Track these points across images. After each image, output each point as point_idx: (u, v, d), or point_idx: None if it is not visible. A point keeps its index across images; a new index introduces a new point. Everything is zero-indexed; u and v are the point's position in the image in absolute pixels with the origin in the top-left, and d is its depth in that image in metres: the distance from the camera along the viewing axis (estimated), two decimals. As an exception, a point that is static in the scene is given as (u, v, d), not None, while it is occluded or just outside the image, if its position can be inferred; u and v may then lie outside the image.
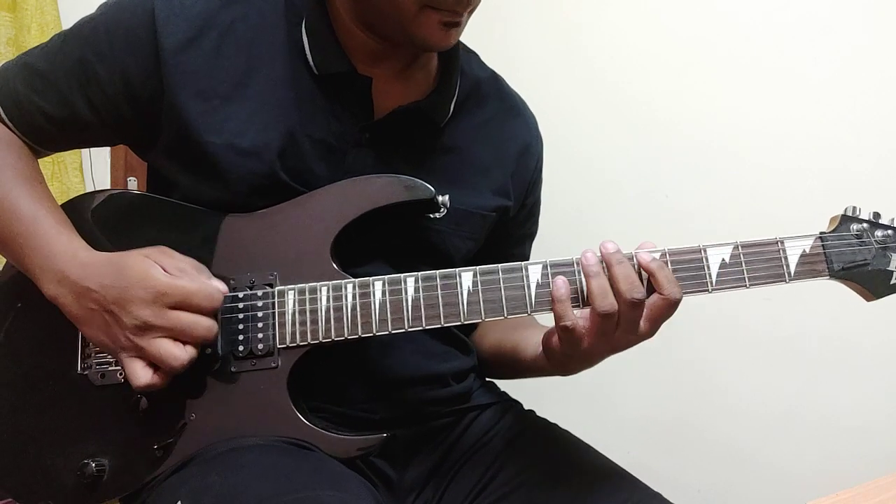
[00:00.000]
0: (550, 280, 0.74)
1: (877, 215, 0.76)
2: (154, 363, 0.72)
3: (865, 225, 0.75)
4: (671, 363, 1.42)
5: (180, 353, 0.71)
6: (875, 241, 0.75)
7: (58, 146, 0.88)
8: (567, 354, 0.76)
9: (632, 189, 1.52)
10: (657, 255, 0.74)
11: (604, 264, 0.72)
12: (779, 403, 1.37)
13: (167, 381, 0.73)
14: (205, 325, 0.72)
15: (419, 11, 0.74)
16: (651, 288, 0.72)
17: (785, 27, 1.35)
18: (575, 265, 0.75)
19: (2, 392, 0.80)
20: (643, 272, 0.72)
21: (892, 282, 0.74)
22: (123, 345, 0.72)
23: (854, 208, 0.76)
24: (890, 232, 0.75)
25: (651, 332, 0.73)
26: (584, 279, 0.72)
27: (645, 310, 0.72)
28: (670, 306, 0.72)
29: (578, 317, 0.72)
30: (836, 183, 1.29)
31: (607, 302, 0.70)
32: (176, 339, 0.71)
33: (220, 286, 0.74)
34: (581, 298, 0.74)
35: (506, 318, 0.75)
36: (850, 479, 0.99)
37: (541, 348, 0.81)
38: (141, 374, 0.71)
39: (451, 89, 0.88)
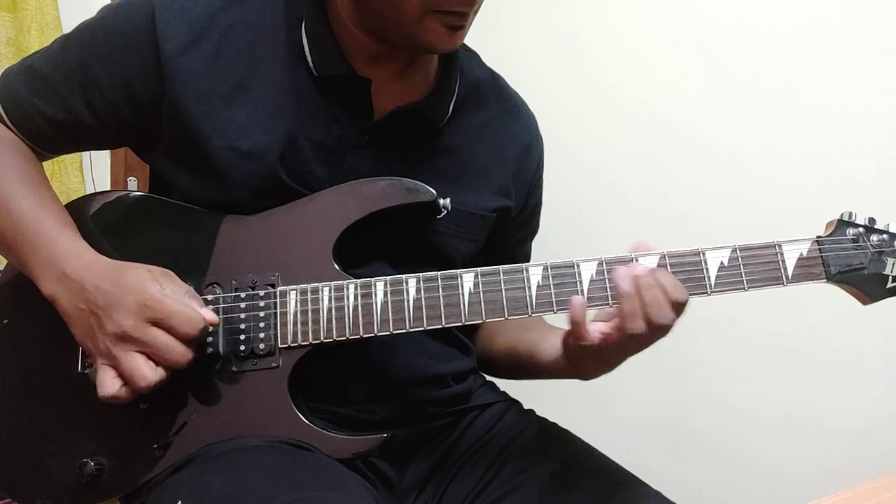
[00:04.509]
0: (551, 281, 0.75)
1: (872, 220, 0.76)
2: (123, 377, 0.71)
3: (861, 229, 0.76)
4: (671, 363, 1.43)
5: (150, 374, 0.70)
6: (871, 245, 0.75)
7: (59, 149, 0.88)
8: (587, 362, 0.77)
9: (632, 189, 1.52)
10: (656, 257, 0.74)
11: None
12: (779, 404, 1.37)
13: (132, 398, 0.71)
14: (178, 351, 0.70)
15: (423, 15, 0.74)
16: None
17: (784, 28, 1.35)
18: (575, 267, 0.75)
19: (2, 391, 0.80)
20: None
21: (889, 285, 0.75)
22: (101, 350, 0.71)
23: (850, 213, 0.76)
24: (885, 236, 0.75)
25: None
26: (617, 296, 0.72)
27: None
28: (678, 307, 0.72)
29: (598, 326, 0.73)
30: (836, 184, 1.29)
31: (638, 325, 0.70)
32: (149, 358, 0.70)
33: (206, 315, 0.73)
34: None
35: (506, 319, 0.75)
36: (850, 479, 0.99)
37: (560, 350, 0.81)
38: (109, 384, 0.70)
39: (450, 90, 0.88)
